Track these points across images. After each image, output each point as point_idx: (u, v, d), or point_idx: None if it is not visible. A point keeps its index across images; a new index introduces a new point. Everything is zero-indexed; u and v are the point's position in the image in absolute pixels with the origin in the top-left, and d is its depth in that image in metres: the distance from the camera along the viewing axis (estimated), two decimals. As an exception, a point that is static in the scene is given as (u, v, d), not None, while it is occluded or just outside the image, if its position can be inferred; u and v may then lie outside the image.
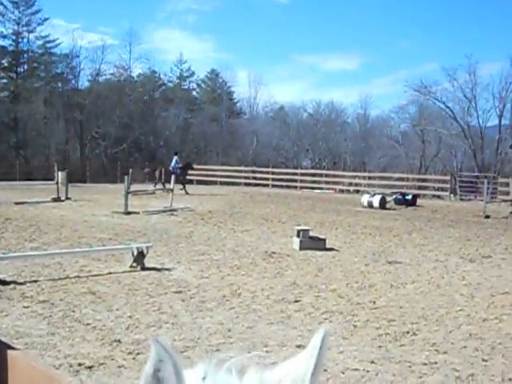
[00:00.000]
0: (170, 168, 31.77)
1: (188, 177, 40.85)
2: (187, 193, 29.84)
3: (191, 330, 7.41)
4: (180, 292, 9.33)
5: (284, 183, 40.45)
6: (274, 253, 13.26)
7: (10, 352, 1.97)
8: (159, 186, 29.12)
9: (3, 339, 2.16)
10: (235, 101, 72.96)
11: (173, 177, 23.62)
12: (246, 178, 43.13)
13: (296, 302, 9.00)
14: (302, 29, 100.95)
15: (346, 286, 10.25)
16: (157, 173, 31.15)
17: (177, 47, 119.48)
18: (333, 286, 10.15)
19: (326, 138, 64.76)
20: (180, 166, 32.64)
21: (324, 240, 14.30)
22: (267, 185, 40.26)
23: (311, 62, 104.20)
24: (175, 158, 33.31)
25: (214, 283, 10.06)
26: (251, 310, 8.43)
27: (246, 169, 43.97)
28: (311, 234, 14.25)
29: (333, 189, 39.37)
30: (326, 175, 44.56)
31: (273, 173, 42.32)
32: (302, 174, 42.44)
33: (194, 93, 74.06)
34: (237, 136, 64.70)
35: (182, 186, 30.54)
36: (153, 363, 0.90)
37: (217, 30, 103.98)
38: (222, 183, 41.89)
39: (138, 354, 6.50)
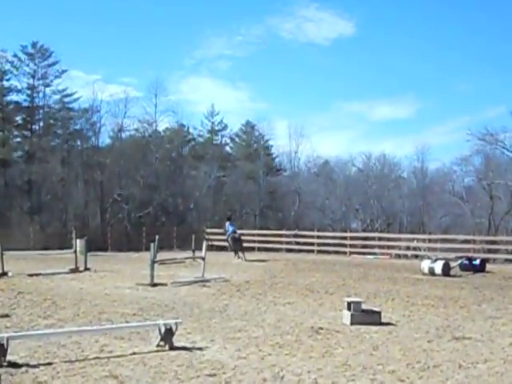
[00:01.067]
0: (228, 234, 32.56)
1: (219, 243, 41.10)
2: (245, 259, 30.52)
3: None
4: (214, 375, 9.21)
5: (331, 248, 40.23)
6: (322, 328, 13.05)
7: None
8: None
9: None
10: (274, 156, 73.68)
11: (204, 243, 23.71)
12: (287, 243, 43.03)
13: (348, 386, 8.81)
14: (345, 74, 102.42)
15: (407, 366, 10.00)
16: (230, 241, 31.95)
17: (208, 97, 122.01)
18: (391, 366, 9.92)
19: (378, 196, 64.60)
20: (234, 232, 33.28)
21: (379, 313, 14.06)
22: (312, 250, 40.09)
23: (357, 110, 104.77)
24: (228, 223, 33.94)
25: (252, 364, 9.91)
26: (296, 396, 8.28)
27: (288, 233, 43.93)
28: (364, 306, 14.03)
29: (387, 254, 38.97)
30: (380, 238, 44.15)
31: (318, 237, 42.19)
32: (352, 238, 42.19)
33: (228, 148, 75.11)
34: (276, 195, 65.08)
35: (237, 254, 31.34)
36: None
37: (252, 78, 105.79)
38: (260, 249, 41.83)
39: None
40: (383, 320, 13.97)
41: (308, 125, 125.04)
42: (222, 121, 72.30)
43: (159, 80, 71.35)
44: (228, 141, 75.20)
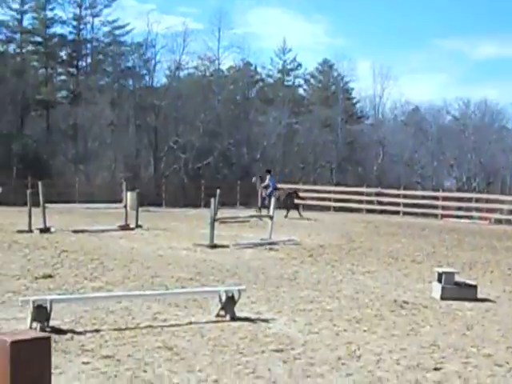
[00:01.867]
0: (268, 191, 32.49)
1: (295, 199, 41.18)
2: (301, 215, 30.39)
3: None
4: (281, 350, 9.28)
5: (420, 210, 39.80)
6: (407, 302, 12.99)
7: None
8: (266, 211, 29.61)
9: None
10: (354, 101, 72.95)
11: (272, 200, 23.75)
12: (368, 202, 42.78)
13: (436, 369, 8.74)
14: (442, 5, 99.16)
15: (506, 350, 9.88)
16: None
17: (278, 31, 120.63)
18: (487, 349, 9.81)
19: (477, 150, 63.33)
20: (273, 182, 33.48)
21: (475, 287, 13.87)
22: (397, 212, 39.75)
23: (455, 49, 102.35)
24: (268, 176, 33.96)
25: (325, 340, 9.95)
26: (375, 379, 8.26)
27: (369, 190, 43.64)
28: (457, 278, 13.87)
29: (487, 218, 38.31)
30: (478, 200, 43.43)
31: (405, 196, 41.76)
32: (445, 199, 41.63)
33: (301, 91, 74.75)
34: (356, 147, 64.54)
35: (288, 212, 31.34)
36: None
37: (331, 9, 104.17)
38: (336, 209, 41.78)
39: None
40: (479, 295, 13.80)
41: (395, 65, 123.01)
42: (294, 59, 71.89)
43: (223, 10, 71.35)
44: (301, 82, 74.91)
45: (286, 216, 32.02)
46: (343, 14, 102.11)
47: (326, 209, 41.97)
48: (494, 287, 15.21)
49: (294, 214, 32.58)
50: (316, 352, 9.31)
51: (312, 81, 74.27)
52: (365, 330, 10.69)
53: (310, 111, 66.80)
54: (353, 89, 71.99)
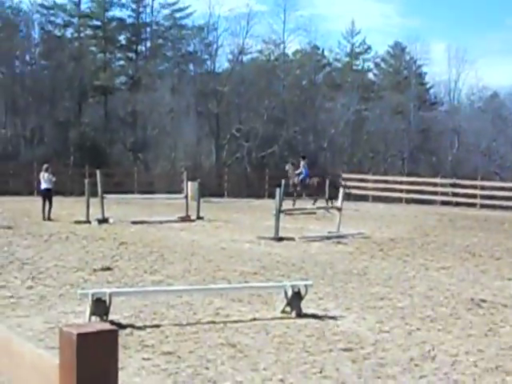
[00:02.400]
0: (300, 178, 32.58)
1: (359, 191, 41.01)
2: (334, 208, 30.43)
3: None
4: (350, 350, 9.26)
5: (498, 202, 39.15)
6: (485, 301, 12.80)
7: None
8: (320, 203, 29.49)
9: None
10: (428, 86, 72.03)
11: (341, 191, 23.66)
12: (443, 193, 42.23)
13: (517, 372, 8.63)
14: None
15: None
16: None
17: (347, 13, 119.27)
18: None
19: None
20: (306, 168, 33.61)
21: (559, 285, 13.61)
22: (474, 204, 39.18)
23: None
24: (303, 163, 34.00)
25: (397, 340, 9.89)
26: (451, 382, 8.17)
27: (444, 181, 43.08)
28: (540, 275, 13.63)
29: None
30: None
31: (482, 187, 41.12)
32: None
33: (371, 75, 74.13)
34: (430, 135, 63.74)
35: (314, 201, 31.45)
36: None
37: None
38: (408, 200, 41.41)
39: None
40: None
41: (472, 48, 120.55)
42: (363, 41, 71.31)
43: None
44: (371, 66, 74.20)
45: (313, 203, 32.12)
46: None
47: (398, 200, 41.62)
48: None
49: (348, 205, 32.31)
50: (387, 352, 9.26)
51: (382, 65, 73.59)
52: (439, 330, 10.58)
53: (381, 97, 66.20)
54: (426, 73, 71.14)
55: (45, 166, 26.65)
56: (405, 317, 11.31)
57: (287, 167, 35.23)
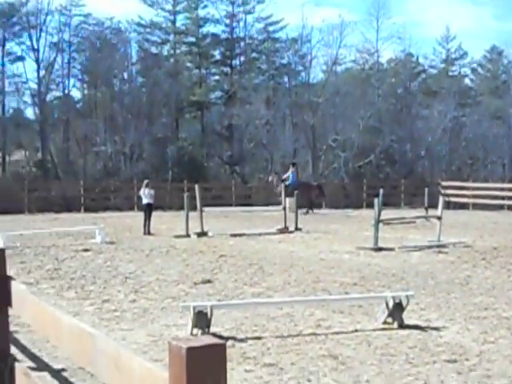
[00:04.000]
0: (284, 183, 32.48)
1: (459, 199, 40.35)
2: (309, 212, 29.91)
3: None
4: (455, 361, 9.12)
5: None
6: None
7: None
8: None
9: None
10: (529, 89, 70.43)
11: (440, 199, 23.34)
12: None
13: None
14: None
15: None
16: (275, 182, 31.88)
17: (441, 18, 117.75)
18: None
19: None
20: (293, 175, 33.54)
21: None
22: None
23: None
24: (291, 169, 34.02)
25: (503, 351, 9.68)
26: (561, 393, 7.98)
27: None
28: None
29: None
30: None
31: None
32: None
33: (468, 81, 72.91)
34: (532, 139, 62.18)
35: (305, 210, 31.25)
36: None
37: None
38: (510, 207, 40.51)
39: None
40: None
41: None
42: (459, 47, 70.13)
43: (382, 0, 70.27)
44: (468, 72, 72.96)
45: (305, 213, 31.96)
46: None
47: (499, 208, 40.74)
48: None
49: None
50: (493, 363, 9.07)
51: (479, 70, 72.37)
52: (548, 341, 10.32)
53: (478, 103, 65.06)
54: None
55: (145, 181, 27.23)
56: (510, 327, 11.06)
57: (270, 178, 35.07)
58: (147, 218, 25.56)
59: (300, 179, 36.22)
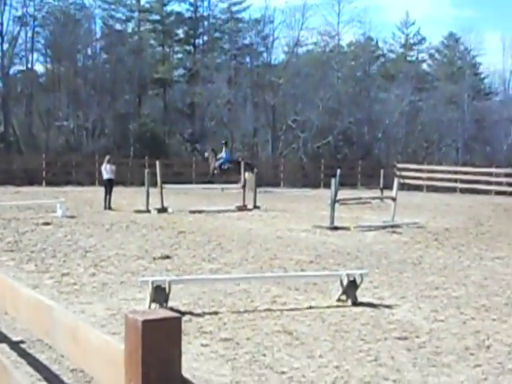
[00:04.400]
0: (217, 164, 32.69)
1: (413, 181, 40.71)
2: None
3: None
4: (405, 338, 9.21)
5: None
6: (541, 291, 12.63)
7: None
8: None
9: None
10: (482, 76, 70.98)
11: (395, 181, 23.50)
12: (497, 183, 41.63)
13: None
14: None
15: None
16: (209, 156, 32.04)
17: (401, 3, 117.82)
18: None
19: None
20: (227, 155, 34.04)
21: None
22: (529, 194, 38.62)
23: None
24: (224, 148, 34.42)
25: (452, 329, 9.80)
26: (506, 371, 8.07)
27: (499, 171, 42.48)
28: None
29: None
30: None
31: (538, 177, 40.53)
32: None
33: (425, 66, 73.26)
34: (485, 125, 62.75)
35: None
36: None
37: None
38: (462, 190, 40.93)
39: (349, 418, 6.55)
40: None
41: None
42: (418, 32, 70.40)
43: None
44: (426, 57, 73.25)
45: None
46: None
47: (452, 190, 41.17)
48: None
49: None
50: (442, 341, 9.18)
51: (437, 55, 72.66)
52: (494, 319, 10.45)
53: (435, 88, 65.35)
54: (480, 63, 69.92)
55: (107, 157, 27.05)
56: (460, 306, 11.20)
57: (206, 154, 35.37)
58: (108, 193, 25.39)
59: (232, 157, 36.51)
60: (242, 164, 32.52)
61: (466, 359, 8.43)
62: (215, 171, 34.06)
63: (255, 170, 29.14)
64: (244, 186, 26.96)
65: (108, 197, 25.34)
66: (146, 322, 2.15)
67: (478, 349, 8.87)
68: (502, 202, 34.15)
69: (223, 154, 34.93)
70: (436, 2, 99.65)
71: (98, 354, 2.63)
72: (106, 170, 26.19)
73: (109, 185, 25.61)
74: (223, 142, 38.27)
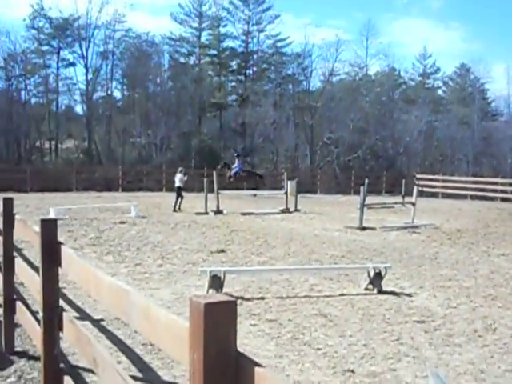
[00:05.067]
0: (232, 172, 32.28)
1: (430, 189, 40.28)
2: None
3: (436, 366, 7.19)
4: (423, 322, 9.12)
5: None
6: (540, 283, 12.39)
7: (257, 370, 2.10)
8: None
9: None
10: (490, 100, 70.12)
11: (415, 189, 23.29)
12: (502, 191, 40.93)
13: None
14: None
15: None
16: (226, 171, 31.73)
17: (419, 39, 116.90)
18: None
19: None
20: (240, 167, 33.73)
21: None
22: (529, 200, 37.94)
23: None
24: (237, 160, 34.10)
25: (463, 314, 9.67)
26: (510, 350, 7.94)
27: (504, 181, 41.81)
28: None
29: None
30: None
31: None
32: None
33: (440, 92, 72.62)
34: (491, 141, 61.84)
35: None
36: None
37: (467, 16, 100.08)
38: (472, 197, 40.39)
39: (375, 388, 6.49)
40: None
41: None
42: (434, 63, 70.11)
43: (370, 23, 70.40)
44: (440, 84, 72.73)
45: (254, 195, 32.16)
46: (478, 21, 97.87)
47: (463, 197, 40.63)
48: None
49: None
50: (454, 324, 9.07)
51: (450, 83, 72.02)
52: (500, 307, 10.29)
53: (449, 110, 64.75)
54: (488, 89, 69.22)
55: (180, 168, 27.27)
56: (470, 295, 11.05)
57: (219, 167, 34.71)
58: (177, 198, 25.55)
59: (244, 168, 36.22)
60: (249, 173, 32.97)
61: (475, 340, 8.32)
62: (231, 179, 33.82)
63: (262, 176, 31.00)
64: (286, 193, 26.95)
65: (176, 201, 25.48)
66: (207, 305, 2.15)
67: (486, 331, 8.75)
68: (506, 207, 33.61)
69: (236, 165, 34.69)
70: (449, 38, 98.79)
71: (166, 331, 2.64)
72: (178, 179, 26.36)
73: (178, 192, 25.75)
74: (236, 154, 37.97)
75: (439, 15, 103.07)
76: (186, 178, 26.73)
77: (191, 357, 2.29)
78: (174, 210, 25.12)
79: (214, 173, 26.23)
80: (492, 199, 39.43)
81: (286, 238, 17.66)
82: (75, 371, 6.49)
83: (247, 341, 7.87)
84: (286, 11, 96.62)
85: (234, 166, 34.61)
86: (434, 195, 40.94)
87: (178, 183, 26.32)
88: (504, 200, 39.10)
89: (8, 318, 7.22)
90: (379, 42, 74.50)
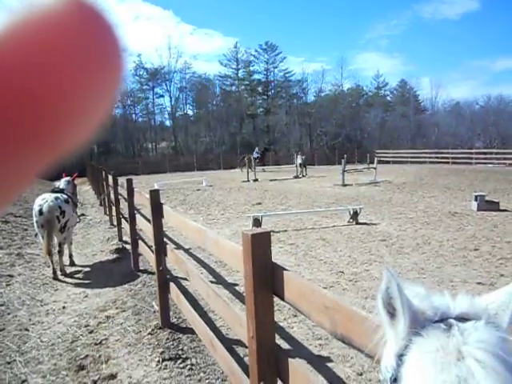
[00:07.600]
0: (254, 156, 31.25)
1: (385, 159, 39.49)
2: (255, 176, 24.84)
3: (393, 267, 7.11)
4: (384, 240, 9.04)
5: (461, 160, 36.86)
6: (456, 213, 12.16)
7: (285, 272, 2.09)
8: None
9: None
10: (420, 101, 68.19)
11: (375, 159, 22.90)
12: (430, 158, 40.05)
13: (475, 250, 8.16)
14: (470, 38, 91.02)
15: (519, 238, 8.98)
16: (245, 159, 30.36)
17: (374, 65, 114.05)
18: (507, 238, 8.99)
19: (495, 124, 57.29)
20: (259, 154, 32.54)
21: (498, 203, 12.72)
22: (447, 162, 37.01)
23: (480, 65, 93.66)
24: (256, 149, 33.38)
25: (409, 235, 9.56)
26: (439, 255, 7.84)
27: (430, 151, 40.89)
28: (487, 198, 12.78)
29: (504, 163, 34.76)
30: (497, 153, 39.41)
31: (452, 153, 38.80)
32: (477, 153, 38.19)
33: (388, 98, 70.85)
34: (422, 127, 60.43)
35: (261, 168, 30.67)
36: (385, 283, 0.95)
37: (404, 48, 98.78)
38: (411, 162, 39.61)
39: (357, 281, 6.45)
40: (501, 207, 12.65)
41: (444, 78, 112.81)
42: (384, 80, 68.26)
43: (343, 57, 68.84)
44: (389, 93, 70.87)
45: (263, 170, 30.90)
46: (412, 51, 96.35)
47: (405, 163, 39.85)
48: (510, 203, 13.86)
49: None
50: (404, 241, 8.97)
51: (395, 92, 69.81)
52: (432, 229, 10.13)
53: (394, 109, 62.88)
54: (419, 94, 67.14)
55: (242, 155, 26.87)
56: (413, 222, 10.90)
57: (242, 156, 32.86)
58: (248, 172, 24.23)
59: (259, 154, 34.86)
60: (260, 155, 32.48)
61: (417, 250, 8.22)
62: (256, 160, 32.79)
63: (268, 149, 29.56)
64: (297, 166, 26.76)
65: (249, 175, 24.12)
66: (253, 235, 2.14)
67: (424, 244, 8.63)
68: (433, 167, 32.99)
69: (255, 152, 33.84)
70: (393, 63, 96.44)
71: (229, 252, 2.64)
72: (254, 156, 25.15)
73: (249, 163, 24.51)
74: (257, 147, 36.33)
75: (386, 49, 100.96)
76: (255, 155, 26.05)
77: (245, 267, 2.28)
78: (247, 181, 23.56)
79: (251, 157, 26.11)
80: (424, 163, 38.61)
81: (297, 194, 17.59)
82: (176, 280, 6.58)
83: (277, 256, 7.89)
84: (289, 54, 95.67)
85: (254, 153, 34.27)
86: (387, 163, 40.22)
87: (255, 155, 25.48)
88: (431, 163, 38.26)
89: (134, 249, 7.35)
90: (349, 69, 72.93)
